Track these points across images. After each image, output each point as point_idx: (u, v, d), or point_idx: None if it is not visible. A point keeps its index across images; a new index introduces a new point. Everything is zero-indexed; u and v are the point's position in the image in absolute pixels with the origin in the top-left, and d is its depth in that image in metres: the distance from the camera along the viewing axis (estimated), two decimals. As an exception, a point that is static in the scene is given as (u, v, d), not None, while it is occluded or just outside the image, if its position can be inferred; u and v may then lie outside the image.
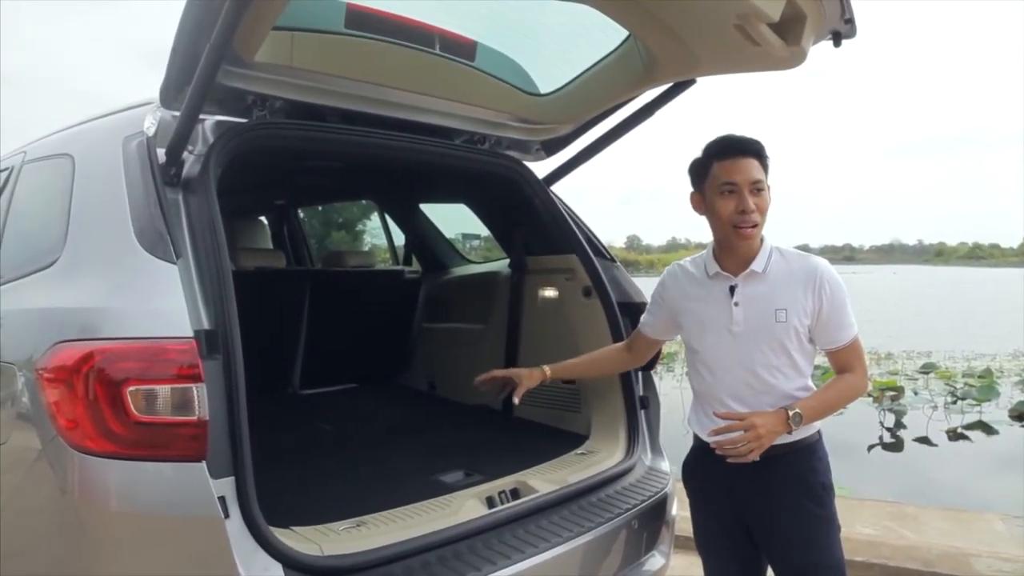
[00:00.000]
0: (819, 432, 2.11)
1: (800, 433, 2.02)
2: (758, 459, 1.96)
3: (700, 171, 2.08)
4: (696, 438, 2.18)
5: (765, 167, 2.04)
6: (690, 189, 2.12)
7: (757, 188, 2.00)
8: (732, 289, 2.07)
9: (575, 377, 2.73)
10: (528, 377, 2.49)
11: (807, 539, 2.02)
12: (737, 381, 2.05)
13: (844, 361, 2.06)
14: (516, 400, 2.46)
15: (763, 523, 2.07)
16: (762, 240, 2.07)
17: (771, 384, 2.02)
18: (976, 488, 6.80)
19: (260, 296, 3.61)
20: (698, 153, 2.10)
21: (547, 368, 2.52)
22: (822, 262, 2.05)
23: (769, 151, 2.05)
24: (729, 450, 1.95)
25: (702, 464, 2.15)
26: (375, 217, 6.15)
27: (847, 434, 8.85)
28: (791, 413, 1.94)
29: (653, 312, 2.35)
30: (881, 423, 9.66)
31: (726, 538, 2.16)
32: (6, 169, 2.74)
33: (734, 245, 2.05)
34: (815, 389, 2.05)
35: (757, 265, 2.04)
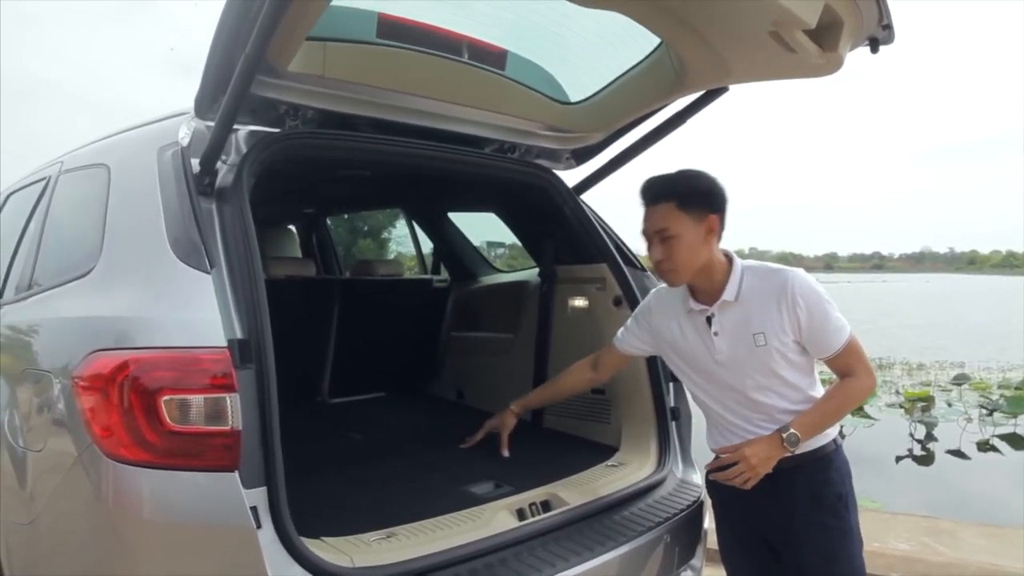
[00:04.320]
0: (835, 441, 2.07)
1: (813, 443, 2.00)
2: (769, 474, 1.97)
3: None
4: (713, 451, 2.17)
5: (691, 206, 1.98)
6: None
7: (662, 237, 1.99)
8: (709, 320, 2.05)
9: (541, 406, 2.78)
10: (503, 425, 2.65)
11: (824, 552, 2.00)
12: (734, 403, 2.05)
13: (843, 366, 2.02)
14: (504, 453, 2.61)
15: (779, 535, 2.06)
16: (732, 264, 2.04)
17: (766, 404, 2.01)
18: (1009, 502, 6.64)
19: (290, 305, 3.63)
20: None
21: (513, 406, 2.65)
22: (792, 275, 1.98)
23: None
24: (728, 483, 1.99)
25: None
26: (400, 225, 6.17)
27: (876, 446, 8.70)
28: (785, 435, 1.93)
29: (633, 330, 2.33)
30: (911, 435, 9.48)
31: (747, 548, 2.16)
32: (44, 179, 2.78)
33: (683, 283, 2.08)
34: (818, 398, 2.02)
35: (728, 294, 2.01)
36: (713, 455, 2.16)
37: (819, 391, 2.04)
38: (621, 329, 2.40)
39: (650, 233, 2.01)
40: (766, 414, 2.01)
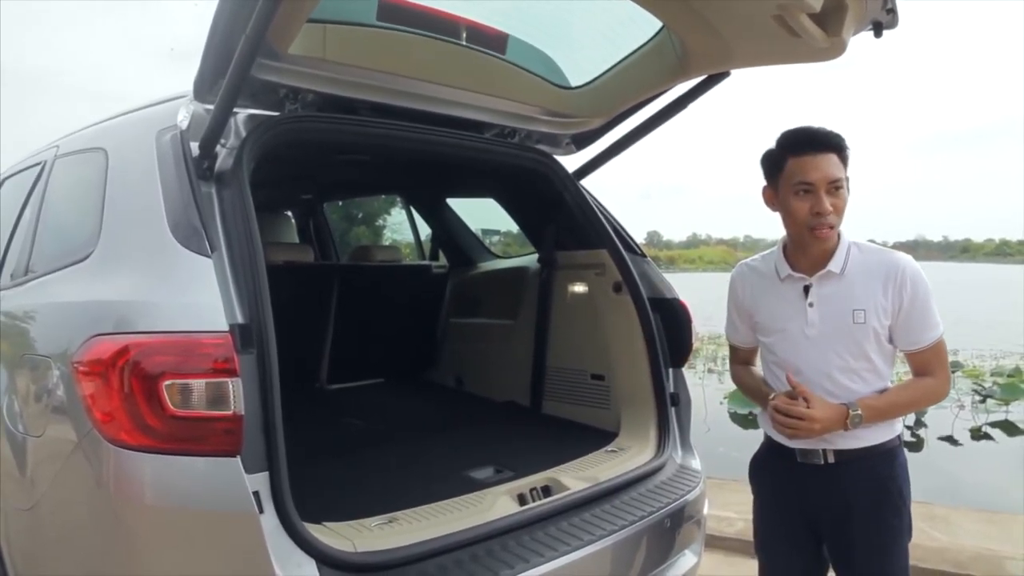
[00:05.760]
0: (899, 437, 2.00)
1: (879, 437, 1.94)
2: (831, 464, 1.93)
3: (773, 165, 1.97)
4: (767, 436, 2.11)
5: (845, 161, 1.91)
6: (762, 183, 2.01)
7: (835, 187, 1.88)
8: (806, 289, 1.97)
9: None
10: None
11: (879, 548, 1.94)
12: (812, 385, 1.93)
13: (924, 364, 1.95)
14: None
15: (835, 527, 1.99)
16: (839, 237, 1.96)
17: (849, 388, 1.92)
18: (1002, 488, 6.67)
19: (288, 291, 3.62)
20: (771, 145, 1.99)
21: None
22: (904, 258, 1.93)
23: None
24: (779, 428, 1.92)
25: (773, 463, 2.08)
26: (394, 212, 6.13)
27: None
28: (852, 414, 1.86)
29: (732, 321, 2.22)
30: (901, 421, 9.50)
31: (791, 537, 2.08)
32: (39, 164, 2.75)
33: (808, 245, 1.95)
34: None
35: (834, 265, 1.94)
36: (765, 433, 2.11)
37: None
38: (726, 326, 2.26)
39: (819, 182, 1.87)
40: (848, 401, 1.91)
